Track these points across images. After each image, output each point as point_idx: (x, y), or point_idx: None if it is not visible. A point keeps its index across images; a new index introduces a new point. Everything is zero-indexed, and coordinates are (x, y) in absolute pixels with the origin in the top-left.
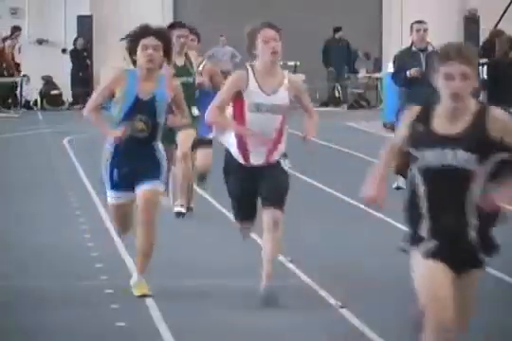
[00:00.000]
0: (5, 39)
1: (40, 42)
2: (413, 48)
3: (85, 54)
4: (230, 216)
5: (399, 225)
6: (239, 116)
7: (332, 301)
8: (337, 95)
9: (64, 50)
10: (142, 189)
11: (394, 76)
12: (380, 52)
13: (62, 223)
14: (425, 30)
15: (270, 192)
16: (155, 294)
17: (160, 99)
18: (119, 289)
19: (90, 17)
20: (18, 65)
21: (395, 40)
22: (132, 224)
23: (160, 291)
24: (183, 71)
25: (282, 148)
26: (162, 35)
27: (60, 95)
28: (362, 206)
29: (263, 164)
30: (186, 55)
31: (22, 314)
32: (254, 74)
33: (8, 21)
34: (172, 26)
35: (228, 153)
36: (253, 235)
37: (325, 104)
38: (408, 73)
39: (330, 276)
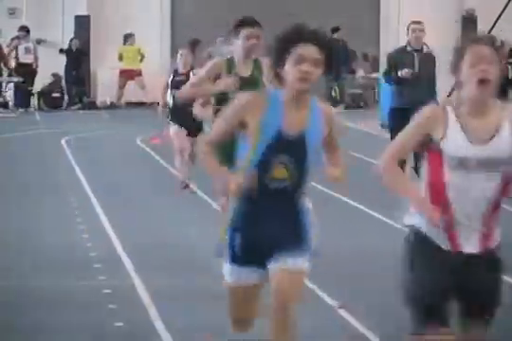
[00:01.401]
0: (13, 39)
1: (38, 42)
2: (408, 48)
3: (80, 54)
4: None
5: (397, 226)
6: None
7: (330, 302)
8: (334, 95)
9: (61, 50)
10: (279, 269)
11: (386, 74)
12: (378, 53)
13: (60, 223)
14: (421, 31)
15: (484, 307)
16: (153, 293)
17: (313, 136)
18: (117, 289)
19: (88, 17)
20: (24, 65)
21: (393, 40)
22: (254, 317)
23: (158, 290)
24: (250, 84)
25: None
26: (325, 44)
27: (61, 97)
28: (362, 207)
29: (478, 252)
30: (255, 62)
31: (21, 313)
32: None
33: (5, 21)
34: (240, 25)
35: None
36: None
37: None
38: (399, 73)
39: (329, 276)
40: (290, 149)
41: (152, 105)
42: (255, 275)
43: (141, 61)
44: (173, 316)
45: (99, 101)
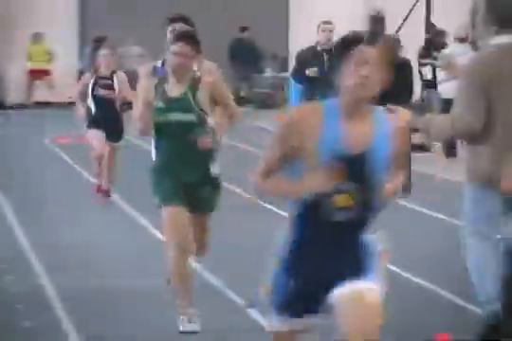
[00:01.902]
0: None
1: None
2: (318, 48)
3: None
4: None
5: None
6: None
7: (239, 301)
8: (242, 95)
9: None
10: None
11: (295, 73)
12: (287, 52)
13: None
14: (331, 31)
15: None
16: (61, 294)
17: (381, 153)
18: (25, 289)
19: None
20: None
21: (302, 40)
22: None
23: (66, 291)
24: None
25: None
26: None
27: None
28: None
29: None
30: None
31: None
32: None
33: None
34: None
35: None
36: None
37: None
38: (307, 71)
39: (237, 276)
40: (353, 170)
41: (62, 105)
42: (302, 320)
43: (50, 61)
44: (79, 316)
45: (7, 101)
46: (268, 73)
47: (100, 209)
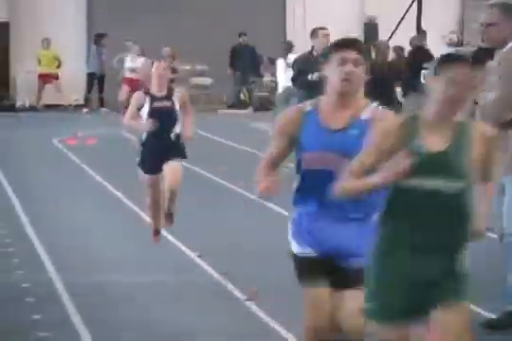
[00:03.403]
0: None
1: None
2: (314, 53)
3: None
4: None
5: None
6: None
7: (239, 295)
8: (242, 98)
9: None
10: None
11: (295, 79)
12: (284, 57)
13: None
14: (327, 36)
15: None
16: (69, 289)
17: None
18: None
19: (7, 24)
20: None
21: (299, 46)
22: None
23: (74, 286)
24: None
25: None
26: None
27: None
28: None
29: None
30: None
31: None
32: None
33: None
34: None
35: None
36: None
37: (232, 107)
38: (309, 77)
39: (239, 270)
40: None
41: (69, 108)
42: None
43: (58, 66)
44: (89, 309)
45: (18, 104)
46: (267, 77)
47: (106, 208)
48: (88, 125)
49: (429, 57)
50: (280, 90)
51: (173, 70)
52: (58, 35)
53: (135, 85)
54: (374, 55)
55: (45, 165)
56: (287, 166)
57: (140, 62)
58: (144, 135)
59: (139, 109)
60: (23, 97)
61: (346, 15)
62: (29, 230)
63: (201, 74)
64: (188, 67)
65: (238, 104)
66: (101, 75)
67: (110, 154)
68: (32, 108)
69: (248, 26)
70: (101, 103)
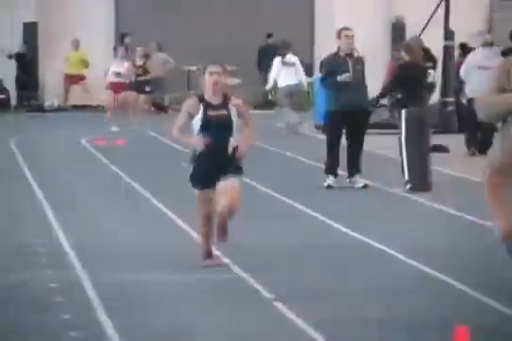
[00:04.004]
0: None
1: None
2: (341, 54)
3: (28, 58)
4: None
5: (332, 223)
6: None
7: (267, 295)
8: (270, 98)
9: (10, 56)
10: None
11: (324, 80)
12: (312, 58)
13: (8, 222)
14: (352, 36)
15: None
16: (97, 289)
17: None
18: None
19: (35, 24)
20: None
21: (326, 46)
22: None
23: (103, 286)
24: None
25: None
26: None
27: (6, 99)
28: (296, 205)
29: None
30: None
31: None
32: None
33: None
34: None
35: None
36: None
37: (259, 107)
38: (339, 78)
39: (266, 271)
40: None
41: (97, 108)
42: None
43: (86, 67)
44: (118, 311)
45: (46, 104)
46: None
47: (135, 208)
48: (116, 125)
49: (431, 57)
50: (279, 90)
51: (145, 70)
52: (87, 36)
53: (119, 90)
54: (404, 55)
55: (74, 165)
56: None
57: (125, 66)
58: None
59: (192, 117)
60: (51, 97)
61: (374, 15)
62: (58, 230)
63: (230, 74)
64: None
65: (266, 104)
66: None
67: (139, 154)
68: (60, 108)
69: (277, 27)
70: None
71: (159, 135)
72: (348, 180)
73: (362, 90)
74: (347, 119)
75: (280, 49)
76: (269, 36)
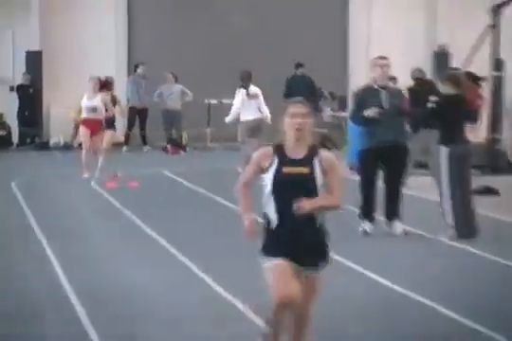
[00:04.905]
0: None
1: None
2: (375, 85)
3: (31, 90)
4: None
5: (373, 276)
6: None
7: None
8: None
9: (12, 88)
10: None
11: (353, 114)
12: (345, 91)
13: (9, 269)
14: (387, 66)
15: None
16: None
17: None
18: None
19: (39, 53)
20: None
21: (361, 78)
22: None
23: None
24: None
25: None
26: None
27: (7, 136)
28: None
29: None
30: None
31: None
32: None
33: None
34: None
35: None
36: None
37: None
38: (365, 113)
39: None
40: None
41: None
42: None
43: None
44: None
45: (51, 142)
46: (326, 112)
47: (147, 255)
48: (129, 165)
49: (434, 90)
50: (241, 124)
51: (114, 99)
52: (96, 67)
53: (95, 128)
54: (448, 86)
55: (83, 210)
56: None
57: (98, 100)
58: (272, 212)
59: (262, 172)
60: (56, 134)
61: (413, 44)
62: (62, 276)
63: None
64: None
65: None
66: (143, 109)
67: (154, 197)
68: (67, 146)
69: (307, 56)
70: (144, 141)
71: (176, 176)
72: (386, 226)
73: (399, 125)
74: (383, 158)
75: (242, 80)
76: (299, 66)
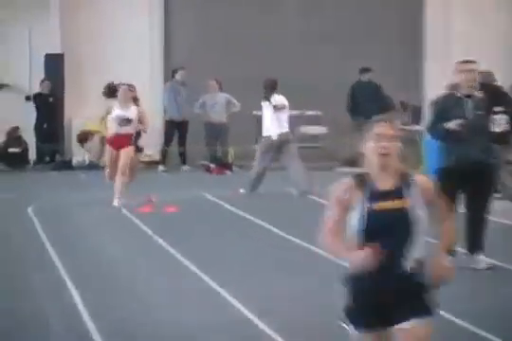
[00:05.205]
0: None
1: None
2: (458, 94)
3: (51, 100)
4: None
5: (455, 319)
6: None
7: None
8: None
9: (28, 97)
10: None
11: (431, 127)
12: (419, 100)
13: (28, 302)
14: (473, 72)
15: None
16: None
17: None
18: None
19: (61, 56)
20: None
21: (440, 85)
22: None
23: None
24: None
25: None
26: None
27: (23, 153)
28: None
29: None
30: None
31: None
32: None
33: None
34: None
35: None
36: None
37: (352, 164)
38: (447, 125)
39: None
40: None
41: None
42: None
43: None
44: None
45: (74, 160)
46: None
47: (187, 292)
48: (165, 187)
49: (499, 98)
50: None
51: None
52: (126, 73)
53: (124, 144)
54: None
55: (111, 242)
56: None
57: (133, 111)
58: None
59: (347, 210)
60: (80, 151)
61: (492, 49)
62: (84, 313)
63: (312, 121)
64: (295, 112)
65: (360, 160)
66: (183, 122)
67: (194, 224)
68: (93, 166)
69: (373, 60)
70: (183, 159)
71: (220, 200)
72: (467, 259)
73: (485, 141)
74: (465, 179)
75: (265, 89)
76: (365, 71)
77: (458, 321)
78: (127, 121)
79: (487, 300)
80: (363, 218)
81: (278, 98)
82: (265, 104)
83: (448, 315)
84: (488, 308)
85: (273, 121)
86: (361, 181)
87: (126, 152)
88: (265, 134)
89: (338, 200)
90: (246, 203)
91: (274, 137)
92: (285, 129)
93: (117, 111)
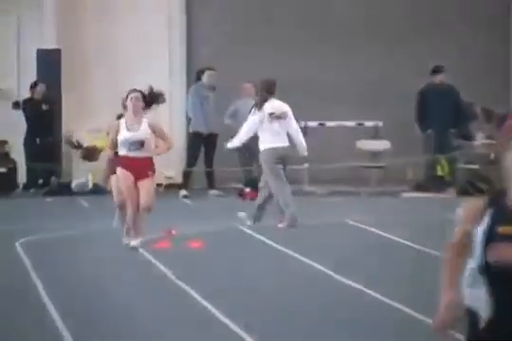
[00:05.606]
0: None
1: None
2: None
3: (45, 108)
4: None
5: None
6: None
7: None
8: (440, 173)
9: (16, 104)
10: None
11: None
12: (508, 107)
13: None
14: None
15: None
16: None
17: None
18: None
19: (57, 52)
20: None
21: None
22: None
23: None
24: None
25: None
26: None
27: (11, 174)
28: None
29: None
30: None
31: None
32: None
33: None
34: None
35: None
36: None
37: (423, 188)
38: None
39: None
40: None
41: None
42: None
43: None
44: None
45: (74, 183)
46: (479, 139)
47: None
48: (189, 217)
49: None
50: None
51: None
52: (141, 76)
53: (141, 172)
54: None
55: (120, 285)
56: None
57: (145, 129)
58: (482, 297)
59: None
60: (81, 172)
61: None
62: None
63: (372, 135)
64: (349, 124)
65: (434, 184)
66: (211, 135)
67: (223, 263)
68: (97, 191)
69: (447, 59)
70: (210, 182)
71: (256, 233)
72: None
73: None
74: None
75: (260, 95)
76: (437, 71)
77: None
78: (139, 144)
79: None
80: (486, 242)
81: (276, 104)
82: (257, 112)
83: None
84: None
85: (272, 132)
86: (494, 199)
87: (147, 190)
88: (262, 147)
89: (466, 221)
90: (290, 236)
91: (276, 150)
92: (284, 143)
93: (123, 132)
